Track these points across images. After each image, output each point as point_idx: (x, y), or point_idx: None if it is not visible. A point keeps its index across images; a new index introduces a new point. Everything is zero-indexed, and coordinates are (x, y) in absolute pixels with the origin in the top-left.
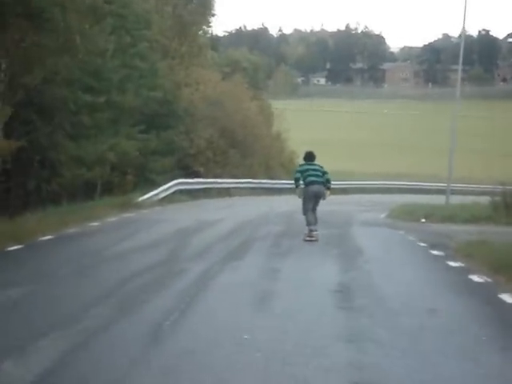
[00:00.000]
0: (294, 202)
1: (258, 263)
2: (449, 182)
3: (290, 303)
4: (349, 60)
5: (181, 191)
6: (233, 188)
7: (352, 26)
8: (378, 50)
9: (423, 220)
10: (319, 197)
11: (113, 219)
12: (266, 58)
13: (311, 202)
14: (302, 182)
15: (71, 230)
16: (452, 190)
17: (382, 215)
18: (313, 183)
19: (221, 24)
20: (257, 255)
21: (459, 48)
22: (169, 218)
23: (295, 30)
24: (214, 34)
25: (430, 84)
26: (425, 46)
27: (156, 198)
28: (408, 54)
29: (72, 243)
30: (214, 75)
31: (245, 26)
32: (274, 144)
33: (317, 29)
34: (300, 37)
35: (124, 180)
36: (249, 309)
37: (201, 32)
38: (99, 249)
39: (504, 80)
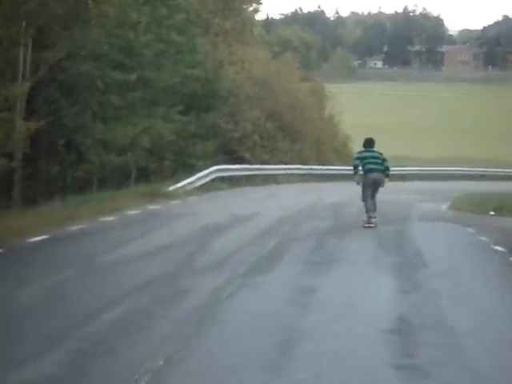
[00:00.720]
0: (346, 191)
1: (290, 279)
2: None
3: (319, 357)
4: (406, 43)
5: (222, 178)
6: (280, 175)
7: (410, 8)
8: (436, 33)
9: (492, 213)
10: (378, 184)
11: (133, 212)
12: (320, 38)
13: (370, 189)
14: (360, 168)
15: (74, 228)
16: None
17: (444, 206)
18: (372, 171)
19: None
20: (291, 265)
21: None
22: (199, 210)
23: (352, 12)
24: (269, 16)
25: (489, 67)
26: (484, 28)
27: (191, 187)
28: (467, 36)
29: (59, 247)
30: (262, 54)
31: (301, 9)
32: (326, 128)
33: (374, 11)
34: (357, 19)
35: (161, 166)
36: (259, 367)
37: (251, 8)
38: (91, 255)
39: None
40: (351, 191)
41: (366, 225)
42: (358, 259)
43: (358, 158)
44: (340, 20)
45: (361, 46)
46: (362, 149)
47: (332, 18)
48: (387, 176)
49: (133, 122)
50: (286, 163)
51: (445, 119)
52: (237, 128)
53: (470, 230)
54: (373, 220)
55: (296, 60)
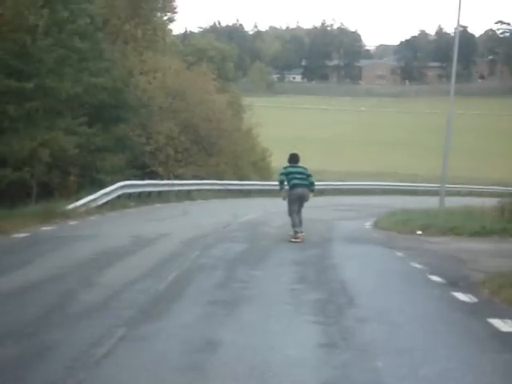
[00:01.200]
0: (264, 208)
1: (187, 328)
2: (443, 183)
3: None
4: (325, 57)
5: (129, 195)
6: (195, 190)
7: (328, 23)
8: (353, 47)
9: (419, 232)
10: (303, 199)
11: (21, 235)
12: (237, 48)
13: (296, 204)
14: (286, 184)
15: None
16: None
17: (369, 224)
18: (297, 186)
19: (195, 19)
20: (190, 307)
21: (436, 45)
22: (98, 232)
23: (270, 27)
24: (187, 29)
25: (406, 81)
26: (401, 42)
27: (94, 205)
28: (384, 51)
29: None
30: (175, 63)
31: (219, 22)
32: (243, 141)
33: (292, 26)
34: (275, 34)
35: (66, 181)
36: None
37: (166, 18)
38: None
39: (482, 77)
40: (269, 208)
41: (293, 240)
42: (273, 297)
43: (283, 174)
44: (258, 34)
45: (279, 59)
46: (287, 164)
47: (251, 32)
48: (312, 191)
49: (31, 134)
50: (201, 178)
51: (364, 132)
52: (149, 141)
53: (399, 253)
54: (299, 235)
55: (212, 70)
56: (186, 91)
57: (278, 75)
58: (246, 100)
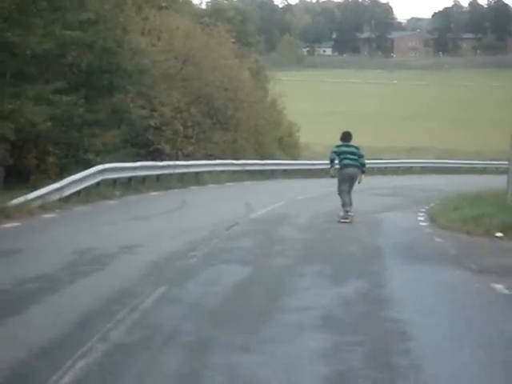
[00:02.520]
0: (290, 193)
1: None
2: None
3: None
4: (355, 30)
5: (114, 182)
6: (205, 172)
7: None
8: (385, 19)
9: (499, 234)
10: (354, 180)
11: None
12: (268, 25)
13: (346, 183)
14: (337, 162)
15: None
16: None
17: (422, 219)
18: (348, 166)
19: None
20: None
21: (469, 16)
22: (25, 245)
23: (301, 0)
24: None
25: (440, 53)
26: (435, 14)
27: (58, 196)
28: (416, 24)
29: None
30: (184, 22)
31: None
32: (267, 114)
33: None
34: (306, 7)
35: (44, 163)
36: None
37: None
38: None
39: None
40: (295, 194)
41: (342, 220)
42: None
43: (334, 152)
44: (288, 7)
45: (309, 33)
46: (340, 142)
47: (280, 5)
48: (363, 172)
49: None
50: (215, 157)
51: (397, 106)
52: (153, 114)
53: (497, 286)
54: (349, 214)
55: (229, 32)
56: (197, 55)
57: (307, 49)
58: (276, 74)
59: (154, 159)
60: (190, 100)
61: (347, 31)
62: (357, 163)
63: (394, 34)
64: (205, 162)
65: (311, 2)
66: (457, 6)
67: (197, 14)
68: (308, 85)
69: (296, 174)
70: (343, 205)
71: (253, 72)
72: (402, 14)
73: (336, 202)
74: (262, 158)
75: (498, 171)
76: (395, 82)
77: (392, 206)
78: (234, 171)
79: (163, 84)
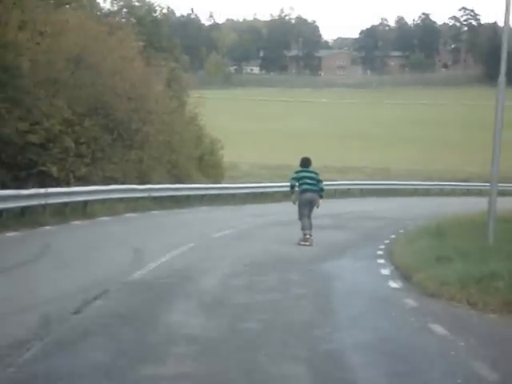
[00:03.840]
0: (206, 229)
1: None
2: (494, 182)
3: None
4: (283, 48)
5: None
6: (97, 201)
7: (286, 12)
8: (312, 37)
9: None
10: (313, 204)
11: None
12: (194, 42)
13: (306, 208)
14: (297, 188)
15: None
16: (437, 189)
17: (389, 273)
18: (307, 191)
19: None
20: None
21: (396, 34)
22: None
23: (227, 19)
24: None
25: (368, 71)
26: (362, 31)
27: None
28: (342, 44)
29: None
30: (77, 15)
31: (173, 11)
32: (183, 129)
33: (249, 18)
34: (232, 26)
35: None
36: None
37: None
38: None
39: (445, 66)
40: (211, 231)
41: (302, 243)
42: None
43: (294, 178)
44: (215, 26)
45: (236, 51)
46: (299, 168)
47: (207, 24)
48: (321, 197)
49: None
50: (116, 181)
51: (327, 125)
52: (35, 128)
53: None
54: (308, 237)
55: (139, 36)
56: (93, 57)
57: (235, 67)
58: (204, 93)
59: (41, 184)
60: (83, 110)
61: (274, 49)
62: (316, 188)
63: (322, 53)
64: (95, 188)
65: (238, 20)
66: (383, 24)
67: (100, 11)
68: (236, 103)
69: (217, 200)
70: (303, 228)
71: (167, 80)
72: (328, 34)
73: (268, 240)
74: (176, 181)
75: (442, 193)
76: (324, 100)
77: (339, 247)
78: (138, 198)
79: (48, 90)
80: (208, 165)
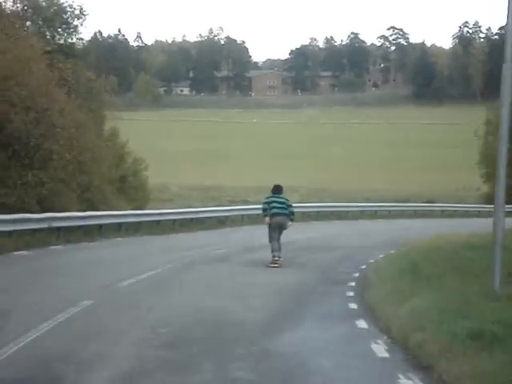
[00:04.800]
0: (113, 271)
1: None
2: (499, 201)
3: None
4: (213, 68)
5: None
6: None
7: (215, 32)
8: (242, 58)
9: None
10: (282, 227)
11: None
12: (122, 64)
13: (276, 231)
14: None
15: None
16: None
17: (384, 350)
18: (277, 214)
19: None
20: None
21: (326, 53)
22: None
23: (156, 40)
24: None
25: (298, 91)
26: (291, 51)
27: None
28: (272, 65)
29: None
30: None
31: (100, 33)
32: (97, 146)
33: (178, 39)
34: (161, 46)
35: None
36: None
37: None
38: None
39: (375, 85)
40: (124, 272)
41: (271, 265)
42: None
43: (266, 203)
44: (143, 47)
45: (166, 72)
46: (270, 194)
47: (135, 45)
48: (292, 220)
49: None
50: (10, 208)
51: (260, 145)
52: None
53: None
54: (277, 259)
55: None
56: None
57: (164, 88)
58: (133, 115)
59: None
60: None
61: (204, 70)
62: (285, 211)
63: (252, 73)
64: None
65: (167, 41)
66: (313, 44)
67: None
68: (165, 124)
69: (138, 228)
70: (272, 250)
71: (78, 89)
72: (258, 55)
73: (198, 289)
74: (87, 208)
75: (390, 215)
76: (255, 120)
77: (294, 297)
78: (35, 230)
79: None
80: (131, 187)
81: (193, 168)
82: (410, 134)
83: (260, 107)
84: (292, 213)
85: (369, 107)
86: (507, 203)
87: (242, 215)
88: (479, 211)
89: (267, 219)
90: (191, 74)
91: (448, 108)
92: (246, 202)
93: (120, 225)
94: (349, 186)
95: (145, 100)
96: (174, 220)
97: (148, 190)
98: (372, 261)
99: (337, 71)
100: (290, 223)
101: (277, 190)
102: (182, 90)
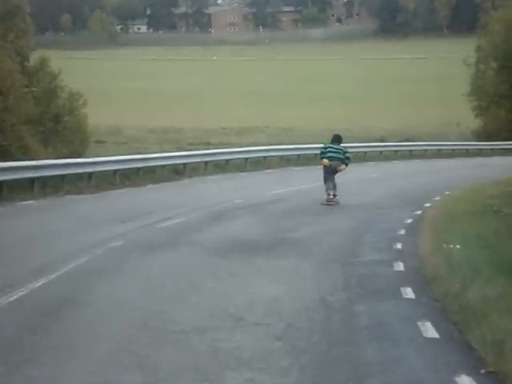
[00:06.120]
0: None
1: None
2: None
3: None
4: (171, 5)
5: None
6: None
7: None
8: None
9: None
10: (335, 169)
11: None
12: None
13: (330, 173)
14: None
15: None
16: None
17: None
18: (331, 159)
19: None
20: None
21: None
22: None
23: None
24: None
25: (260, 28)
26: None
27: None
28: (232, 1)
29: None
30: None
31: None
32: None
33: None
34: None
35: None
36: None
37: None
38: None
39: (339, 20)
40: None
41: (326, 203)
42: None
43: (322, 148)
44: None
45: (122, 9)
46: (329, 143)
47: None
48: (346, 164)
49: None
50: None
51: (222, 83)
52: None
53: None
54: (332, 197)
55: None
56: None
57: (121, 26)
58: (88, 53)
59: None
60: None
61: (162, 7)
62: (340, 156)
63: (212, 9)
64: None
65: None
66: None
67: None
68: (122, 63)
69: (57, 185)
70: (327, 189)
71: None
72: None
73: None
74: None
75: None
76: (215, 58)
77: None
78: None
79: None
80: (66, 128)
81: (150, 108)
82: (387, 69)
83: (220, 44)
84: (347, 157)
85: (334, 42)
86: None
87: (206, 162)
88: (480, 149)
89: (325, 161)
90: (148, 11)
91: (414, 42)
92: (208, 145)
93: (32, 181)
94: (318, 125)
95: (100, 39)
96: (115, 171)
97: (86, 131)
98: None
99: (299, 6)
100: (343, 166)
101: (335, 139)
102: (139, 28)
